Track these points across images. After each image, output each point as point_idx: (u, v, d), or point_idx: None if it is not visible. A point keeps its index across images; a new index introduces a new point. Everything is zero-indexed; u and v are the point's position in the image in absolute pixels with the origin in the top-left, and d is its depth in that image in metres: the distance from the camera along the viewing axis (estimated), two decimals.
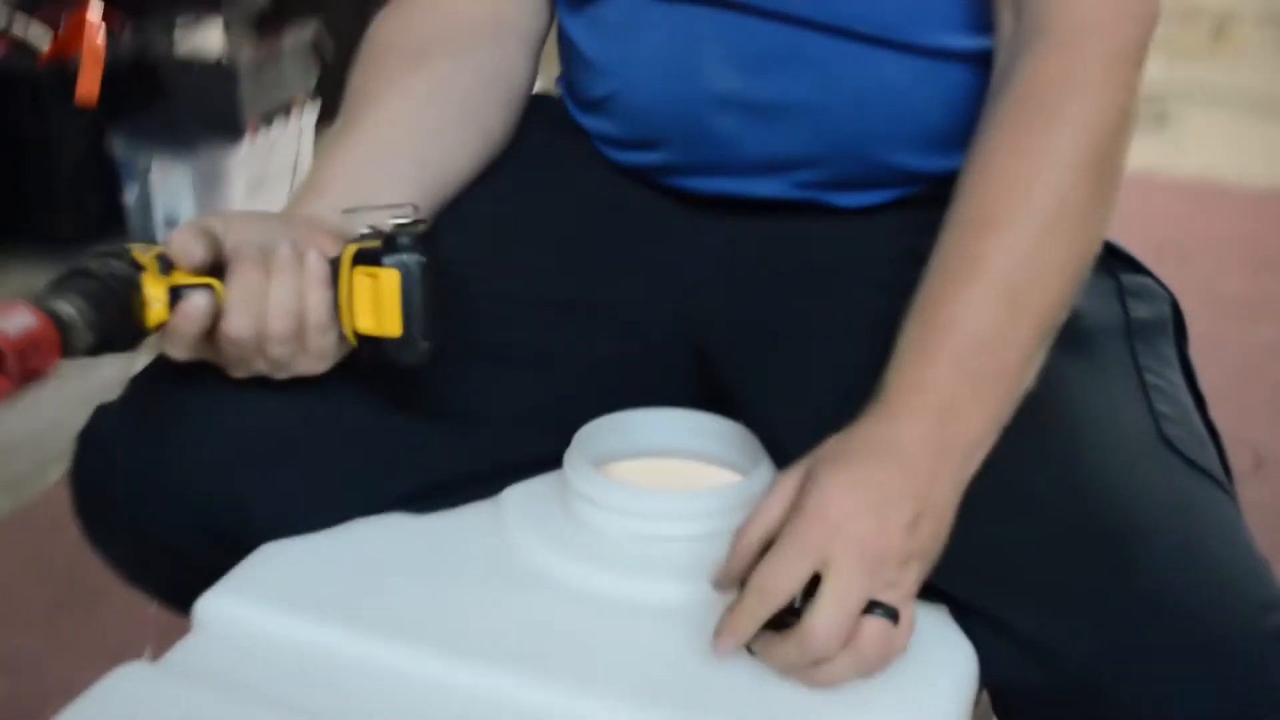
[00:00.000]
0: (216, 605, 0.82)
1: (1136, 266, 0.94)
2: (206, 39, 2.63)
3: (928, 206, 0.85)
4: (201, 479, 0.85)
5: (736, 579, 0.74)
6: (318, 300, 0.80)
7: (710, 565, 0.82)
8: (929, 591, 0.77)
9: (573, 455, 0.88)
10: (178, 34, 2.61)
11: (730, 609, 0.73)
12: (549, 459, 0.91)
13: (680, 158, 0.96)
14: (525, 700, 0.75)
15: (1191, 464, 0.80)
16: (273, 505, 0.86)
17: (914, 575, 0.74)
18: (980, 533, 0.75)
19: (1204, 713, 0.71)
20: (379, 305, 0.79)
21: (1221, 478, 0.82)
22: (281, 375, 0.83)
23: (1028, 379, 0.78)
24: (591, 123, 1.02)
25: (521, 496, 0.91)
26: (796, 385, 0.89)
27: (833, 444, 0.76)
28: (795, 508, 0.73)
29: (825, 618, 0.70)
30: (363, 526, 0.88)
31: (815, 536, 0.71)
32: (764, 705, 0.74)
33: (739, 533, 0.75)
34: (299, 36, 2.64)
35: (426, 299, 0.79)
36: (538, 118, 1.04)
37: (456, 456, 0.90)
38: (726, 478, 0.92)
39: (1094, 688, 0.73)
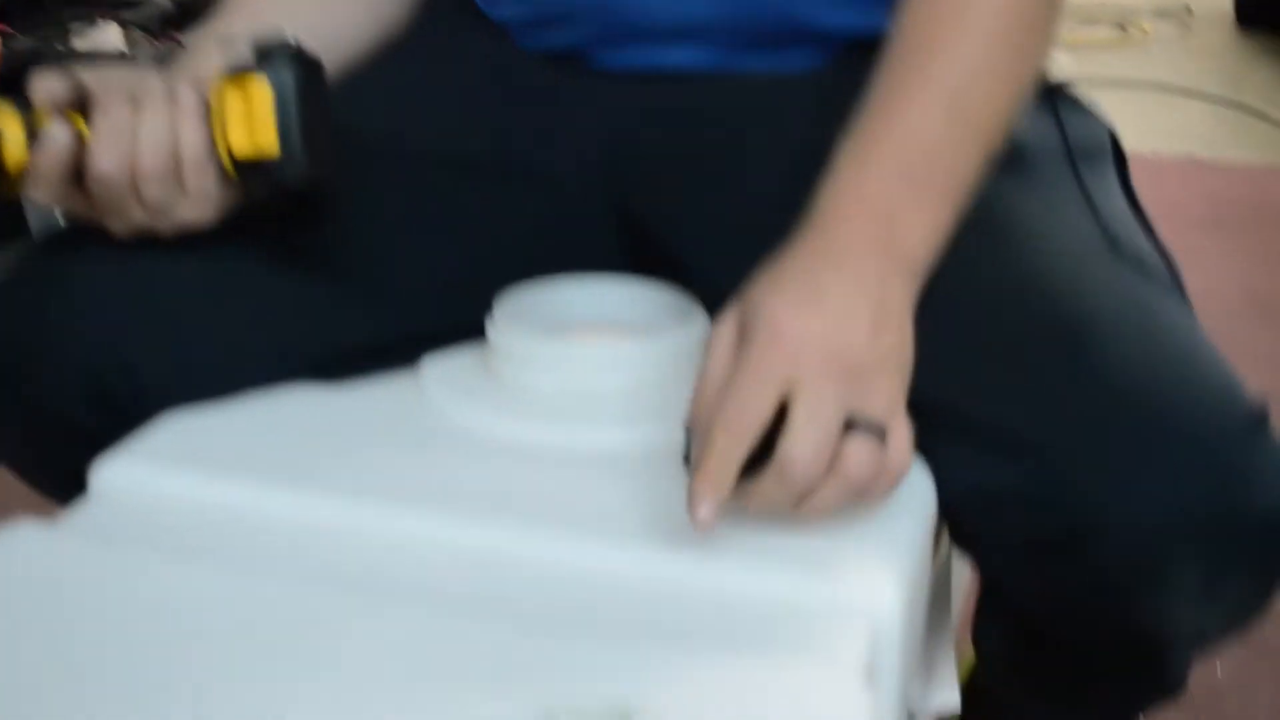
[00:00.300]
0: (114, 469, 0.75)
1: (1074, 98, 0.92)
2: (106, 38, 2.57)
3: (845, 73, 0.82)
4: (91, 346, 0.79)
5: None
6: (191, 131, 0.75)
7: (647, 415, 0.77)
8: None
9: (496, 317, 0.83)
10: (75, 38, 2.54)
11: (699, 466, 0.65)
12: (468, 329, 0.86)
13: (591, 30, 0.92)
14: (460, 544, 0.70)
15: (1145, 268, 0.77)
16: (167, 372, 0.80)
17: (890, 386, 0.67)
18: (931, 336, 0.71)
19: (1172, 499, 0.67)
20: (252, 120, 0.75)
21: (1177, 285, 0.79)
22: (164, 226, 0.78)
23: (970, 191, 0.74)
24: (499, 9, 0.98)
25: (442, 363, 0.85)
26: (733, 237, 0.84)
27: (767, 272, 0.71)
28: (744, 340, 0.67)
29: (801, 441, 0.64)
30: (270, 395, 0.82)
31: (773, 360, 0.65)
32: (713, 539, 0.69)
33: (692, 399, 0.69)
34: None
35: (303, 111, 0.75)
36: (441, 8, 1.00)
37: (369, 323, 0.85)
38: None
39: (1057, 484, 0.69)
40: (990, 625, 1.01)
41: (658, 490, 0.72)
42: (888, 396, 0.67)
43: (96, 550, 0.69)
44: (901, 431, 0.67)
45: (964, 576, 1.23)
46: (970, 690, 1.22)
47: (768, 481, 0.65)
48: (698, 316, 0.84)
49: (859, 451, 0.65)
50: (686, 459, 0.68)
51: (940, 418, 0.71)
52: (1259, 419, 0.70)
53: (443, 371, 0.84)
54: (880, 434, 0.65)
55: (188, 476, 0.74)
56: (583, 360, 0.80)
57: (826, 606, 0.65)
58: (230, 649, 0.61)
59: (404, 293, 0.86)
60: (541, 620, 0.64)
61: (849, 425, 0.65)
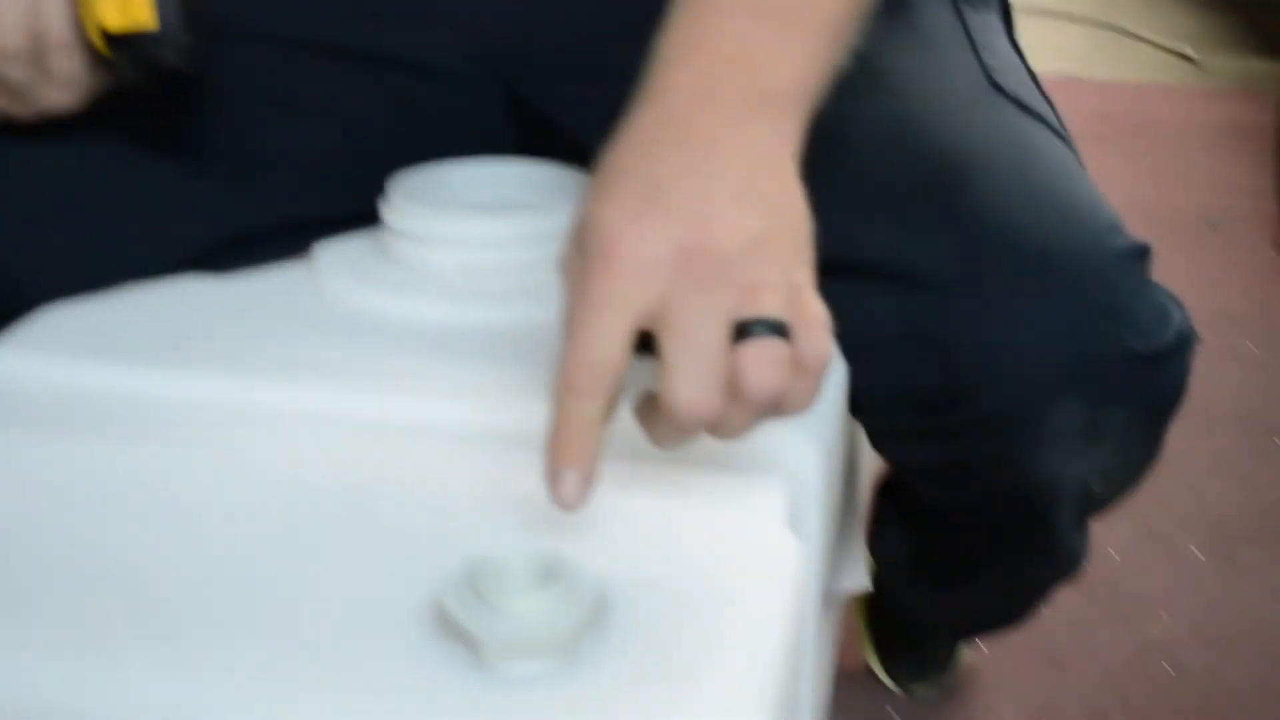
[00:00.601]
0: None
1: None
2: None
3: None
4: None
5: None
6: (54, 5, 0.71)
7: (546, 291, 0.75)
8: None
9: (390, 196, 0.80)
10: None
11: (549, 436, 0.54)
12: (359, 218, 0.83)
13: None
14: (362, 419, 0.67)
15: (1027, 109, 0.76)
16: (42, 265, 0.77)
17: (778, 267, 0.53)
18: (806, 185, 0.69)
19: (1052, 335, 0.67)
20: None
21: (1060, 129, 0.78)
22: (25, 112, 0.74)
23: (846, 33, 0.65)
24: None
25: (334, 249, 0.82)
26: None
27: (599, 173, 0.57)
28: (581, 270, 0.54)
29: (680, 380, 0.51)
30: (155, 286, 0.79)
31: (612, 289, 0.52)
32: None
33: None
34: None
35: None
36: None
37: (253, 211, 0.82)
38: None
39: (937, 325, 0.68)
40: (886, 529, 1.01)
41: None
42: (780, 281, 0.53)
43: None
44: (810, 316, 0.53)
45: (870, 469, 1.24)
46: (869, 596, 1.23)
47: (663, 426, 0.54)
48: None
49: (758, 363, 0.51)
50: None
51: (820, 267, 0.70)
52: (1138, 256, 0.70)
53: (336, 255, 0.81)
54: (781, 331, 0.52)
55: (67, 363, 0.71)
56: (480, 236, 0.78)
57: (745, 463, 0.64)
58: (125, 518, 0.58)
59: (289, 180, 0.83)
60: (454, 486, 0.61)
61: (741, 332, 0.52)
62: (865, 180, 0.72)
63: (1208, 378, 1.80)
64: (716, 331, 0.51)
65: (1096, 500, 0.78)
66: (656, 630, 0.52)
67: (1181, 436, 0.78)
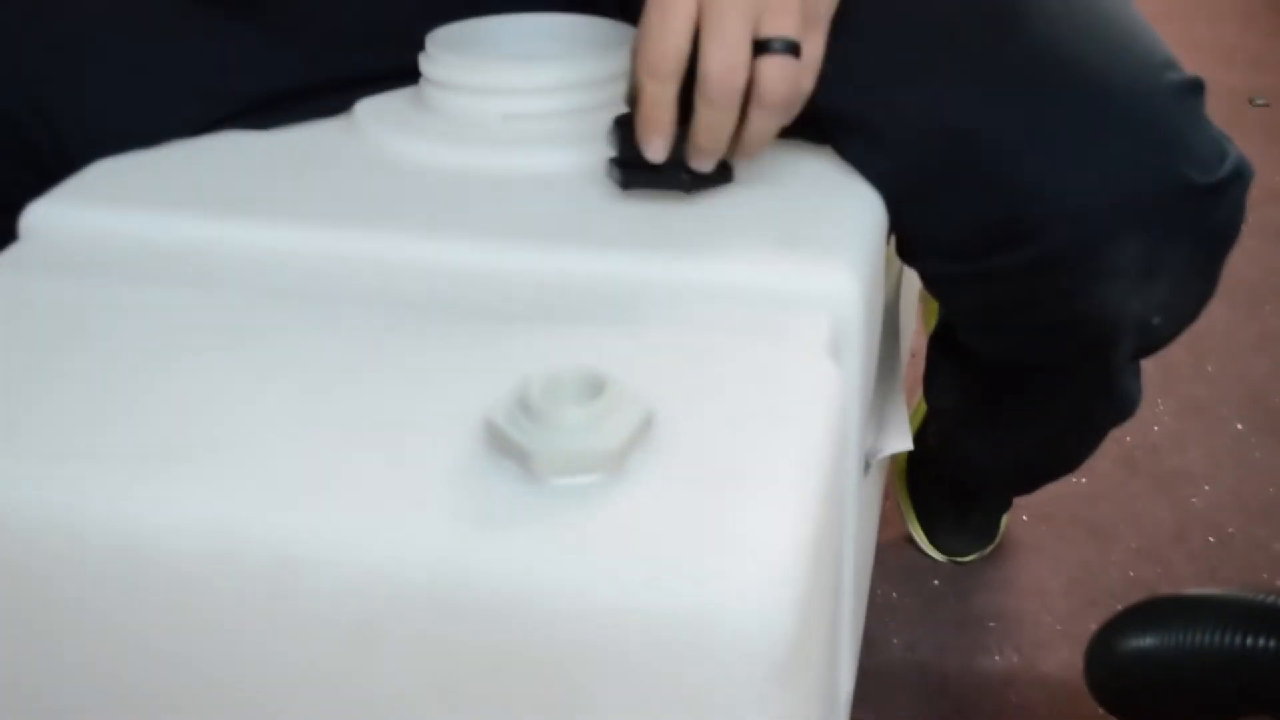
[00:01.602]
0: (43, 211, 0.72)
1: None
2: None
3: None
4: (7, 100, 0.76)
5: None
6: None
7: (596, 136, 0.75)
8: (810, 130, 0.72)
9: (429, 48, 0.80)
10: None
11: (638, 116, 0.68)
12: (400, 76, 0.83)
13: None
14: (413, 256, 0.68)
15: None
16: (89, 122, 0.77)
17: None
18: (858, 30, 0.69)
19: (1110, 170, 0.67)
20: None
21: None
22: None
23: None
24: None
25: (375, 103, 0.82)
26: None
27: None
28: None
29: (711, 56, 0.64)
30: (200, 140, 0.79)
31: None
32: (669, 239, 0.67)
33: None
34: None
35: None
36: None
37: (297, 67, 0.82)
38: None
39: (996, 162, 0.68)
40: (941, 379, 1.02)
41: (613, 202, 0.70)
42: (799, 9, 0.66)
43: (32, 279, 0.66)
44: (813, 47, 0.67)
45: (910, 335, 1.24)
46: (919, 441, 1.23)
47: (699, 107, 0.66)
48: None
49: (771, 70, 0.65)
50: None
51: (880, 109, 0.70)
52: (1193, 90, 0.70)
53: (376, 108, 0.81)
54: (794, 50, 0.65)
55: (121, 213, 0.72)
56: (518, 84, 0.77)
57: (788, 296, 0.64)
58: (188, 358, 0.59)
59: (332, 36, 0.83)
60: (500, 319, 0.62)
61: (762, 48, 0.65)
62: (919, 20, 0.71)
63: (1252, 255, 1.80)
64: (744, 26, 0.64)
65: (1153, 337, 0.78)
66: (702, 447, 0.52)
67: (1225, 313, 0.78)
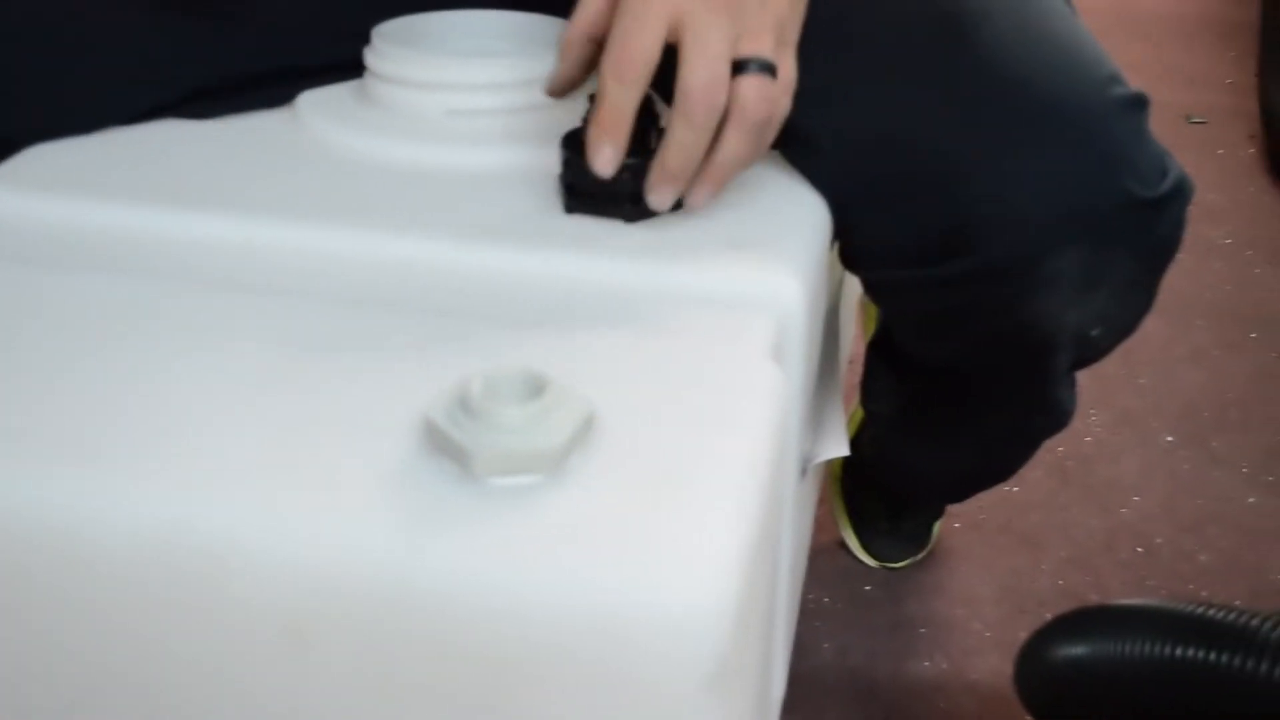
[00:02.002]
0: None
1: None
2: None
3: None
4: None
5: (569, 75, 0.68)
6: None
7: (529, 136, 0.75)
8: None
9: (374, 41, 0.79)
10: None
11: (594, 118, 0.65)
12: (343, 69, 0.82)
13: None
14: (348, 251, 0.67)
15: None
16: (27, 105, 0.76)
17: (776, 20, 0.66)
18: (805, 48, 0.69)
19: (1054, 181, 0.67)
20: None
21: None
22: None
23: None
24: None
25: (318, 96, 0.82)
26: None
27: None
28: None
29: (695, 70, 0.63)
30: (139, 127, 0.78)
31: (649, 2, 0.63)
32: (613, 241, 0.67)
33: (562, 37, 0.68)
34: None
35: None
36: None
37: (239, 56, 0.81)
38: None
39: (940, 172, 0.68)
40: (879, 384, 1.02)
41: (555, 202, 0.70)
42: (775, 31, 0.65)
43: None
44: (787, 68, 0.66)
45: (849, 341, 1.24)
46: (855, 447, 1.23)
47: (675, 125, 0.64)
48: None
49: (754, 92, 0.64)
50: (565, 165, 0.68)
51: (826, 120, 0.70)
52: (1137, 104, 0.70)
53: (320, 100, 0.80)
54: (771, 71, 0.64)
55: (54, 200, 0.70)
56: (462, 80, 0.77)
57: (732, 298, 0.64)
58: (117, 349, 0.58)
59: (278, 25, 0.82)
60: (440, 316, 0.61)
61: (739, 68, 0.64)
62: (867, 32, 0.71)
63: (1185, 269, 1.82)
64: (725, 43, 0.63)
65: (1091, 349, 0.78)
66: (643, 448, 0.52)
67: (1158, 327, 0.79)
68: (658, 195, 0.66)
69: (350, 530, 0.48)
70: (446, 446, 0.50)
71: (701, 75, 0.63)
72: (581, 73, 0.70)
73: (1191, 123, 2.33)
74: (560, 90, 0.70)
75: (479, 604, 0.47)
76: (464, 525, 0.48)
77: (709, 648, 0.46)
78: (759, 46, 0.64)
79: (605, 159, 0.65)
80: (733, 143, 0.65)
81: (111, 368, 0.56)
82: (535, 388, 0.51)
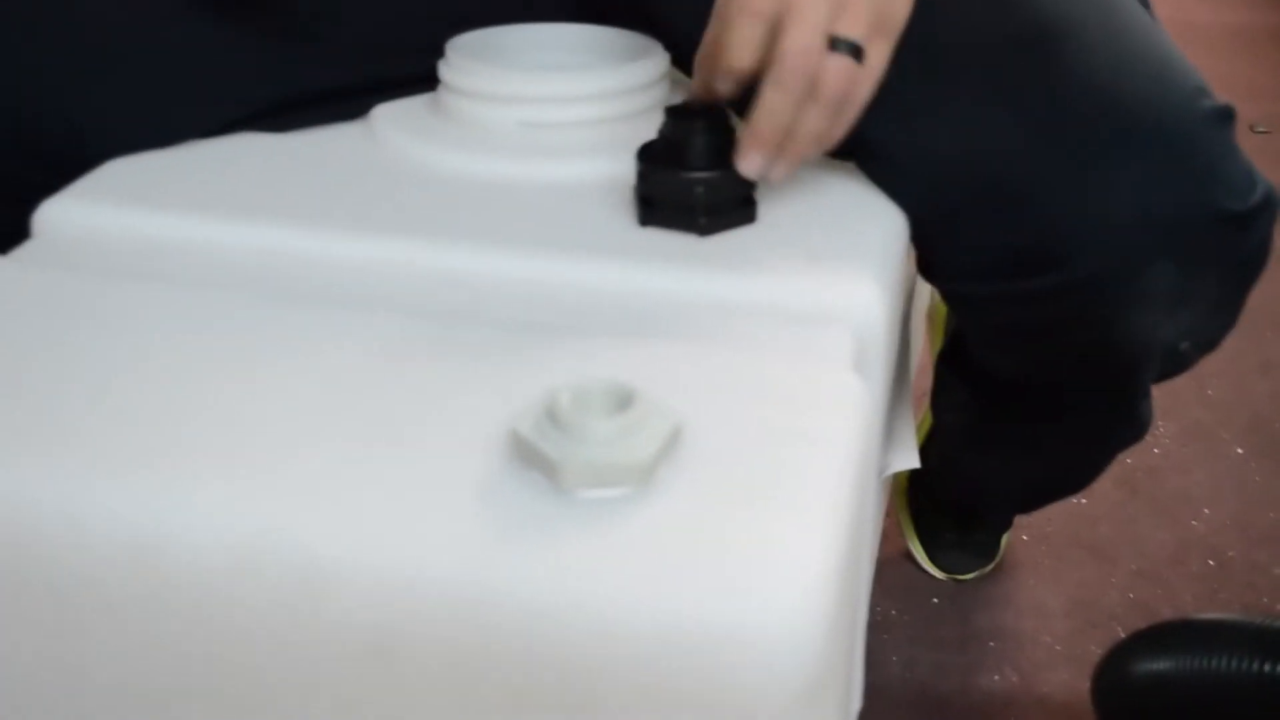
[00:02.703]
0: (57, 209, 0.72)
1: None
2: None
3: None
4: (27, 95, 0.75)
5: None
6: None
7: (614, 148, 0.75)
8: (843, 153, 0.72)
9: (449, 54, 0.80)
10: None
11: (753, 129, 0.66)
12: (417, 83, 0.83)
13: None
14: (435, 264, 0.67)
15: None
16: (106, 120, 0.76)
17: (879, 8, 0.66)
18: (896, 56, 0.69)
19: (1145, 198, 0.67)
20: None
21: None
22: None
23: None
24: None
25: (393, 109, 0.82)
26: None
27: None
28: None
29: (793, 35, 0.64)
30: (216, 141, 0.79)
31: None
32: (692, 255, 0.67)
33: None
34: None
35: None
36: None
37: (315, 71, 0.81)
38: None
39: (1032, 190, 0.67)
40: (951, 396, 1.01)
41: (630, 214, 0.70)
42: (872, 17, 0.66)
43: (44, 277, 0.65)
44: (876, 56, 0.67)
45: (919, 351, 1.23)
46: (921, 458, 1.23)
47: (767, 90, 0.65)
48: (656, 52, 0.81)
49: (839, 72, 0.65)
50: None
51: (910, 136, 0.69)
52: (1225, 117, 0.70)
53: (394, 114, 0.81)
54: (858, 54, 0.65)
55: (136, 212, 0.71)
56: (536, 93, 0.77)
57: (813, 310, 0.64)
58: (203, 362, 0.58)
59: (351, 40, 0.82)
60: (526, 331, 0.61)
61: (830, 45, 0.65)
62: (957, 44, 0.71)
63: None
64: (824, 18, 0.64)
65: (1178, 363, 0.78)
66: (731, 462, 0.52)
67: (1228, 337, 0.78)
68: (748, 161, 0.67)
69: (438, 543, 0.48)
70: (535, 459, 0.50)
71: (798, 42, 0.64)
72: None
73: (1256, 132, 2.30)
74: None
75: (568, 618, 0.47)
76: (552, 539, 0.48)
77: (802, 663, 0.46)
78: (852, 27, 0.65)
79: (754, 166, 0.67)
80: (811, 119, 0.66)
81: (197, 383, 0.56)
82: (623, 400, 0.51)
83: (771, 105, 0.65)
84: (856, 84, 0.66)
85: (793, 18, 0.64)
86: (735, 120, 0.69)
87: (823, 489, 0.51)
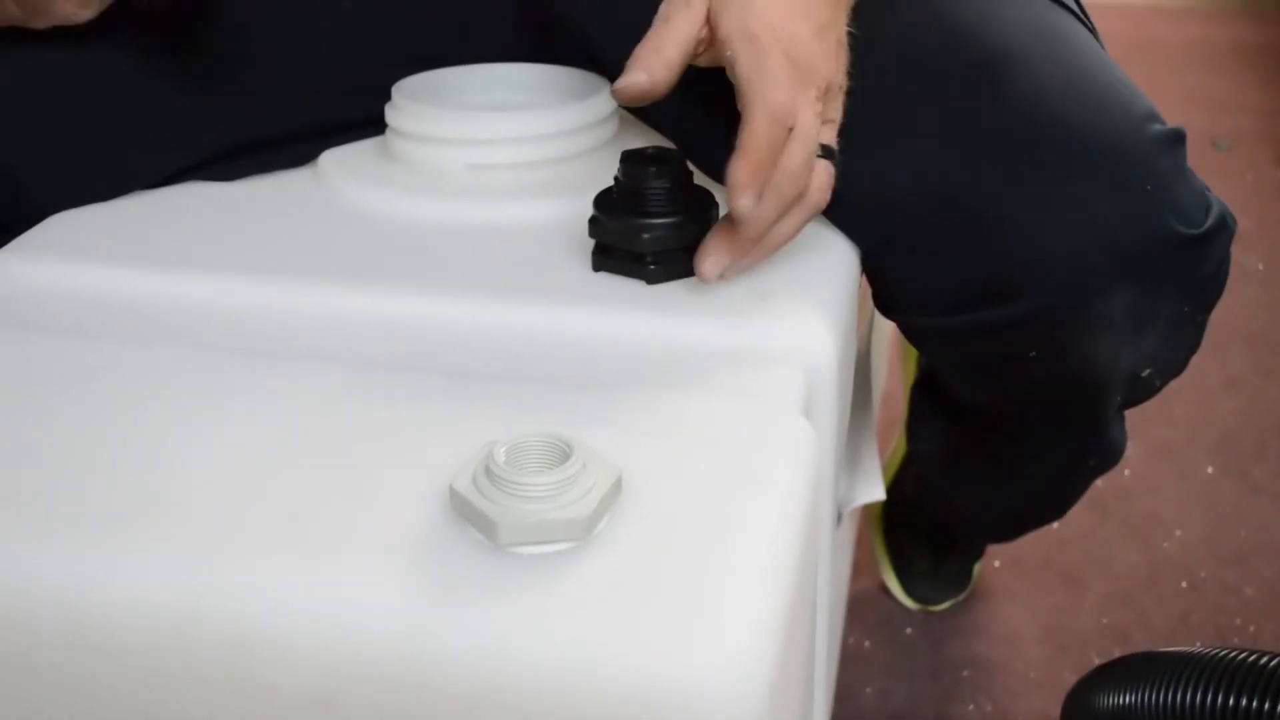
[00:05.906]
0: (3, 266, 0.71)
1: None
2: None
3: None
4: None
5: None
6: None
7: (564, 188, 0.74)
8: None
9: (395, 97, 0.79)
10: None
11: (726, 233, 0.65)
12: (364, 127, 0.82)
13: None
14: (378, 311, 0.66)
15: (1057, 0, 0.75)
16: (50, 172, 0.76)
17: (840, 104, 0.68)
18: (848, 95, 0.69)
19: (1098, 223, 0.66)
20: None
21: (1085, 17, 0.77)
22: (41, 23, 0.72)
23: None
24: None
25: (340, 155, 0.81)
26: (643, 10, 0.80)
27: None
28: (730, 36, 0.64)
29: (797, 151, 0.63)
30: (162, 192, 0.78)
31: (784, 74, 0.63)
32: (638, 298, 0.66)
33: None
34: None
35: None
36: None
37: (260, 118, 0.80)
38: None
39: (983, 220, 0.67)
40: (924, 427, 1.00)
41: (579, 257, 0.69)
42: (838, 114, 0.67)
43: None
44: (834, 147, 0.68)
45: (881, 381, 1.23)
46: (896, 489, 1.22)
47: (767, 197, 0.63)
48: (603, 89, 0.80)
49: (820, 182, 0.66)
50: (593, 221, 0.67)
51: (859, 168, 0.69)
52: (1176, 140, 0.69)
53: (342, 159, 0.80)
54: (834, 157, 0.67)
55: (79, 267, 0.70)
56: (484, 135, 0.76)
57: (761, 351, 0.63)
58: (144, 418, 0.57)
59: (298, 86, 0.82)
60: (465, 379, 0.60)
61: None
62: (906, 74, 0.71)
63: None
64: (817, 128, 0.65)
65: (1143, 389, 0.77)
66: (674, 513, 0.51)
67: (1194, 355, 0.78)
68: (714, 262, 0.65)
69: (374, 602, 0.48)
70: (472, 516, 0.50)
71: (799, 157, 0.63)
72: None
73: (1218, 148, 2.31)
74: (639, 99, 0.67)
75: (506, 676, 0.46)
76: (489, 596, 0.47)
77: (743, 717, 0.45)
78: (829, 135, 0.66)
79: (713, 271, 0.65)
80: (795, 219, 0.66)
81: (131, 436, 0.56)
82: (561, 454, 0.51)
83: (765, 216, 0.64)
84: (831, 186, 0.67)
85: (799, 131, 0.64)
86: (691, 165, 0.68)
87: (767, 538, 0.50)
